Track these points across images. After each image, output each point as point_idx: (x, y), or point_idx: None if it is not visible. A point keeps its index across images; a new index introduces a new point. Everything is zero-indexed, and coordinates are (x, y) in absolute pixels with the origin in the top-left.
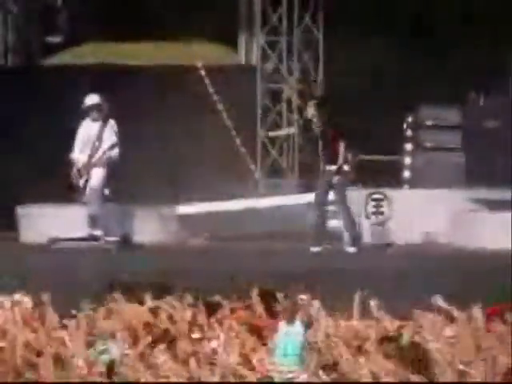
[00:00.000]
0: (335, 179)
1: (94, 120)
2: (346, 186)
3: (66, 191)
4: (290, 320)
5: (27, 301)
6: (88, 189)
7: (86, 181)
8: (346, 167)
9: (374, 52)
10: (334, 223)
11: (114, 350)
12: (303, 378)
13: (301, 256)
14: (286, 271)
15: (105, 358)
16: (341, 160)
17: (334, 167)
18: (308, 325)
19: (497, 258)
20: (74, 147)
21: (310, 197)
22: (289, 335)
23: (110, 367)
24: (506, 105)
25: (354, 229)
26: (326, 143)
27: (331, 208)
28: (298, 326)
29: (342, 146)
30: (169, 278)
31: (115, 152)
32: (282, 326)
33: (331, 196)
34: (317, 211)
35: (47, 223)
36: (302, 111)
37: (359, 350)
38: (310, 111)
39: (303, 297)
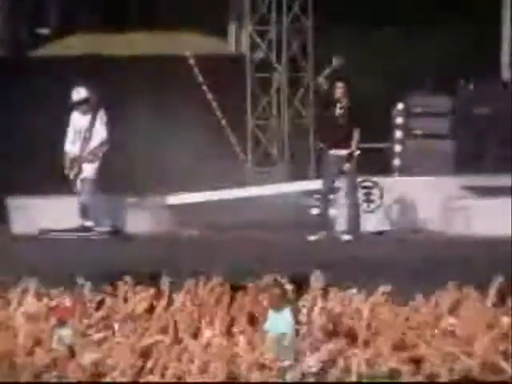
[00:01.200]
0: (346, 166)
1: (83, 113)
2: (356, 172)
3: (58, 182)
4: (278, 307)
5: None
6: (80, 180)
7: (78, 172)
8: (356, 153)
9: (363, 39)
10: (333, 211)
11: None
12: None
13: (297, 244)
14: (282, 260)
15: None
16: (354, 146)
17: (344, 152)
18: (296, 313)
19: (487, 245)
20: (66, 138)
21: (300, 185)
22: (277, 322)
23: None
24: (496, 91)
25: (357, 218)
26: (345, 127)
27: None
28: (286, 313)
29: (357, 131)
30: (159, 267)
31: (106, 143)
32: (271, 313)
33: (338, 183)
34: (323, 198)
35: (38, 214)
36: (292, 100)
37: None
38: (339, 92)
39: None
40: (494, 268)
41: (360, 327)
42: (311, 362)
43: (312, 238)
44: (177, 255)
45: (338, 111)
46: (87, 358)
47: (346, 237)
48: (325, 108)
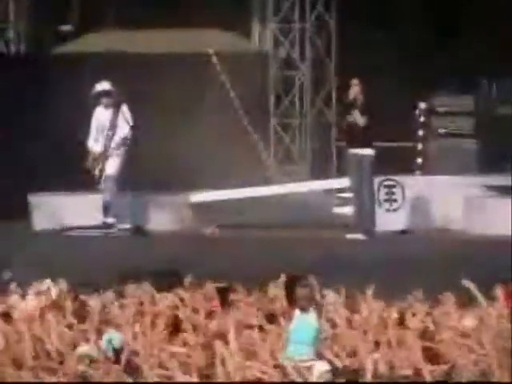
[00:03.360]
0: (366, 164)
1: (106, 107)
2: (372, 171)
3: (82, 179)
4: (305, 308)
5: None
6: (103, 177)
7: (101, 169)
8: (372, 152)
9: (387, 38)
10: (347, 210)
11: (117, 340)
12: (320, 364)
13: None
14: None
15: (110, 346)
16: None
17: (366, 151)
18: (320, 313)
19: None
20: (89, 135)
21: (323, 183)
22: (303, 323)
23: (117, 354)
24: None
25: (372, 217)
26: (365, 127)
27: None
28: (312, 314)
29: (372, 131)
30: (181, 265)
31: (129, 140)
32: (297, 313)
33: (351, 181)
34: (356, 196)
35: (60, 211)
36: (315, 98)
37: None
38: (355, 89)
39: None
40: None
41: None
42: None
43: (349, 236)
44: (198, 253)
45: (355, 110)
46: None
47: (361, 236)
48: (346, 112)
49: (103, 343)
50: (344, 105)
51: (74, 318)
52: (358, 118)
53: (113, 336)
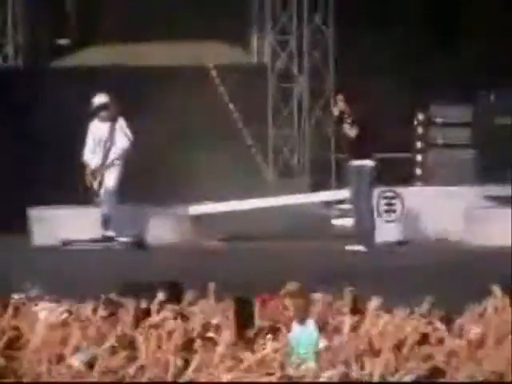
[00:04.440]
0: (366, 174)
1: (103, 120)
2: (373, 181)
3: (81, 193)
4: (302, 319)
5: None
6: (102, 190)
7: (100, 182)
8: (373, 163)
9: (384, 50)
10: (347, 221)
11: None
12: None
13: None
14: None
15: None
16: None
17: (366, 162)
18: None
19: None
20: (85, 149)
21: (322, 195)
22: (301, 335)
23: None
24: None
25: (372, 228)
26: (356, 137)
27: (346, 206)
28: (310, 326)
29: (365, 141)
30: (182, 278)
31: (127, 153)
32: (295, 325)
33: (352, 192)
34: (355, 207)
35: (60, 225)
36: (313, 109)
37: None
38: (341, 104)
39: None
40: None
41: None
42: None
43: (350, 247)
44: (199, 266)
45: (346, 123)
46: None
47: (361, 248)
48: (338, 125)
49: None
50: (334, 120)
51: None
52: (347, 131)
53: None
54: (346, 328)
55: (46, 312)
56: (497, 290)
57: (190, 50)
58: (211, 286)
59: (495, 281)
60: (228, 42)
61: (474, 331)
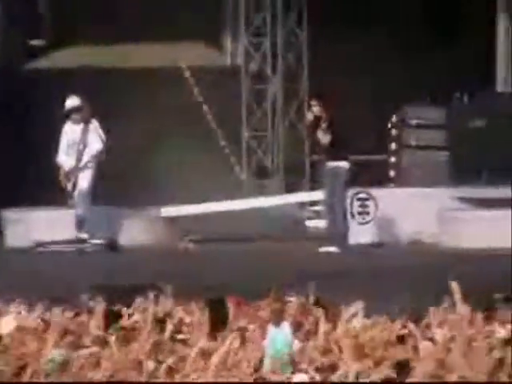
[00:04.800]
0: (340, 176)
1: (76, 122)
2: (347, 184)
3: (55, 194)
4: (278, 322)
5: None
6: (76, 192)
7: (74, 184)
8: (347, 165)
9: (358, 52)
10: (321, 222)
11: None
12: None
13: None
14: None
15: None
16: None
17: (341, 164)
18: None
19: (482, 258)
20: (59, 151)
21: (296, 196)
22: (276, 337)
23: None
24: (491, 104)
25: (346, 230)
26: (332, 141)
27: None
28: (285, 328)
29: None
30: (155, 280)
31: (101, 154)
32: (270, 328)
33: (326, 194)
34: (329, 210)
35: (33, 227)
36: (287, 111)
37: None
38: (316, 109)
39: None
40: (485, 281)
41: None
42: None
43: (323, 249)
44: (172, 268)
45: (322, 128)
46: None
47: (333, 249)
48: (311, 130)
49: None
50: (307, 125)
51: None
52: (321, 138)
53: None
54: (320, 331)
55: (15, 315)
56: (455, 286)
57: (165, 52)
58: (185, 287)
59: (467, 282)
60: (202, 44)
61: (440, 333)
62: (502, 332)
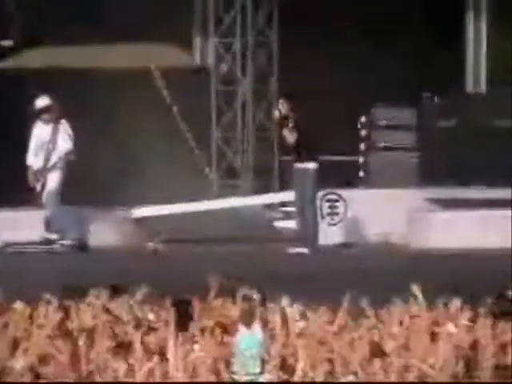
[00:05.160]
0: (309, 177)
1: (46, 122)
2: (316, 184)
3: (24, 195)
4: (249, 323)
5: None
6: (45, 192)
7: (43, 184)
8: (316, 166)
9: (330, 52)
10: (290, 223)
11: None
12: (265, 378)
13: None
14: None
15: None
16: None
17: (310, 165)
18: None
19: (451, 258)
20: (29, 151)
21: (266, 197)
22: (247, 338)
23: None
24: (461, 104)
25: (316, 231)
26: (299, 141)
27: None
28: (256, 329)
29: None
30: (124, 280)
31: (70, 154)
32: (241, 329)
33: (296, 195)
34: (299, 211)
35: (2, 227)
36: (257, 112)
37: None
38: (284, 109)
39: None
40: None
41: None
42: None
43: (293, 250)
44: (141, 268)
45: (289, 127)
46: None
47: (303, 250)
48: (278, 129)
49: None
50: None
51: None
52: (287, 136)
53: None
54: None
55: None
56: (416, 289)
57: (133, 52)
58: (153, 287)
59: (435, 283)
60: (172, 44)
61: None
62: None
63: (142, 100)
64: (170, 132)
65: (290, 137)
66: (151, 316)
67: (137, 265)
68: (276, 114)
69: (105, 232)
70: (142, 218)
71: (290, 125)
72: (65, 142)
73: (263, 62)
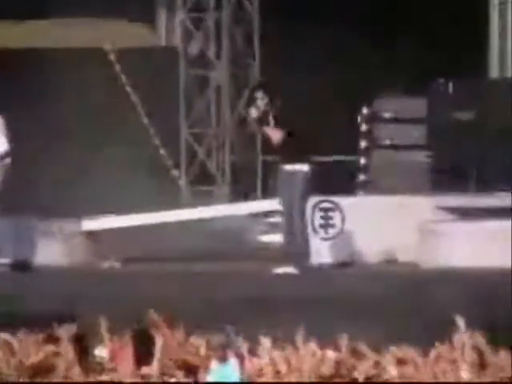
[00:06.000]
0: (297, 182)
1: None
2: (307, 190)
3: None
4: (223, 358)
5: None
6: None
7: None
8: (306, 168)
9: (321, 33)
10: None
11: None
12: None
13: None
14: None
15: None
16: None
17: (300, 167)
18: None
19: (469, 279)
20: None
21: (246, 206)
22: (221, 375)
23: None
24: (481, 92)
25: (306, 247)
26: (287, 138)
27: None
28: (231, 365)
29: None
30: (73, 305)
31: (7, 156)
32: (214, 364)
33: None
34: (286, 222)
35: None
36: (236, 103)
37: None
38: (261, 103)
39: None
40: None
41: None
42: None
43: (279, 270)
44: (93, 292)
45: (270, 124)
46: None
47: (294, 270)
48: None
49: None
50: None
51: None
52: (271, 135)
53: None
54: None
55: None
56: (461, 321)
57: (85, 30)
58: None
59: (457, 311)
60: (131, 21)
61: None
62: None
63: (96, 88)
64: (130, 127)
65: (275, 135)
66: (103, 352)
67: (88, 288)
68: (253, 112)
69: (50, 248)
70: (95, 231)
71: (272, 121)
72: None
73: (241, 41)
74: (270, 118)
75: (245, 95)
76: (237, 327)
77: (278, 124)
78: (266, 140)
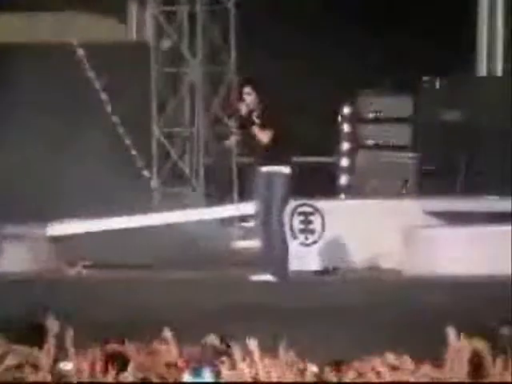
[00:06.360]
0: (277, 185)
1: None
2: (287, 193)
3: None
4: (196, 369)
5: None
6: None
7: None
8: (287, 170)
9: (304, 26)
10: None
11: None
12: None
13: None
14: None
15: None
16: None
17: (278, 168)
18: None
19: (458, 288)
20: None
21: (220, 210)
22: None
23: None
24: (469, 90)
25: (285, 253)
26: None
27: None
28: (205, 377)
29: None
30: (37, 316)
31: None
32: (187, 376)
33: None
34: (263, 227)
35: None
36: (210, 102)
37: None
38: (248, 98)
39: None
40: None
41: None
42: None
43: (256, 278)
44: (58, 301)
45: (255, 125)
46: None
47: (271, 277)
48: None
49: None
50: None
51: None
52: (259, 136)
53: None
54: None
55: None
56: (452, 332)
57: (51, 23)
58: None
59: (447, 320)
60: (99, 14)
61: None
62: None
63: (63, 84)
64: (99, 127)
65: (263, 136)
66: (68, 366)
67: (54, 296)
68: (242, 108)
69: (14, 254)
70: (61, 236)
71: (257, 121)
72: None
73: (217, 37)
74: (256, 118)
75: (220, 93)
76: (212, 336)
77: (265, 122)
78: (254, 143)
